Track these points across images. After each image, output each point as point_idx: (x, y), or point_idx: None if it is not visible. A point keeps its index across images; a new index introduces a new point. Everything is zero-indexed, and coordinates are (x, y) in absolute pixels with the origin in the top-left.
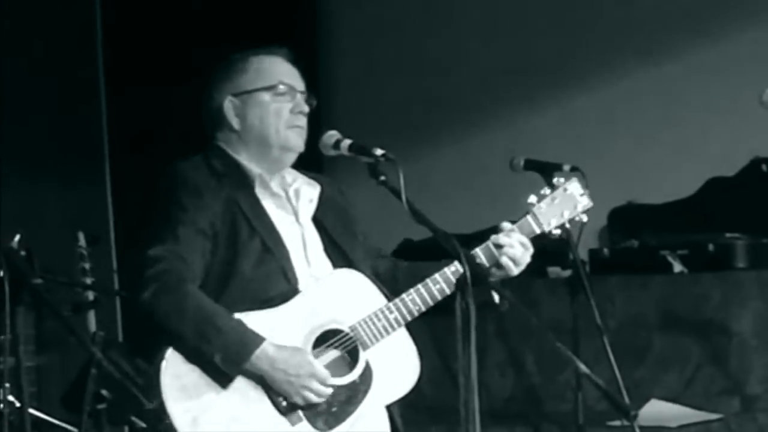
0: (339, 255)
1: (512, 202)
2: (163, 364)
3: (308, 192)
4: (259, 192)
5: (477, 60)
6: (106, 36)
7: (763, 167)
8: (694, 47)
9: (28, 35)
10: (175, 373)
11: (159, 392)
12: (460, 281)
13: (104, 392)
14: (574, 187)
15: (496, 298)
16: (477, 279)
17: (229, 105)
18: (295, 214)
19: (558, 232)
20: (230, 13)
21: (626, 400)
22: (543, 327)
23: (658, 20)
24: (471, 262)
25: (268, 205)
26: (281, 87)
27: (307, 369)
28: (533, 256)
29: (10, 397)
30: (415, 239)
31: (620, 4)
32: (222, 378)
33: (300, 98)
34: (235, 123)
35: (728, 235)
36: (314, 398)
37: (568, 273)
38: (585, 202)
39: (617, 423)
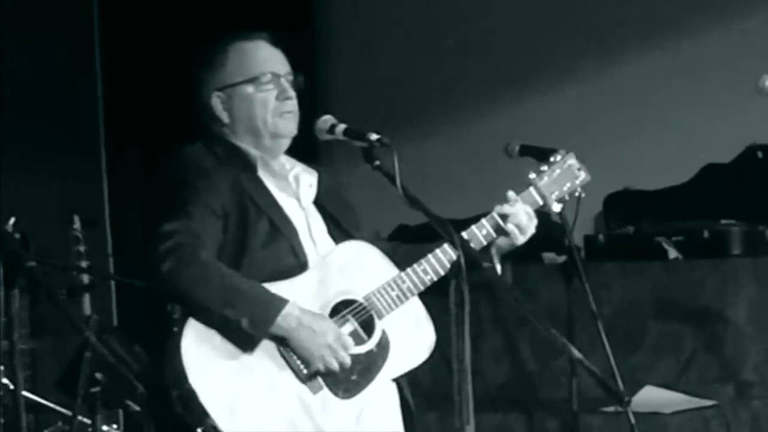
0: (344, 236)
1: (507, 187)
2: (184, 336)
3: (307, 178)
4: (262, 174)
5: (473, 45)
6: (102, 24)
7: (759, 154)
8: (691, 33)
9: (26, 25)
10: (195, 344)
11: (179, 363)
12: (454, 267)
13: (99, 376)
14: (572, 161)
15: (499, 269)
16: (472, 264)
17: (216, 101)
18: (297, 198)
19: (559, 206)
20: None
21: (620, 386)
22: (537, 313)
23: (656, 7)
24: (466, 248)
25: (272, 187)
26: (265, 77)
27: (333, 331)
28: (528, 243)
29: (5, 380)
30: (411, 224)
31: None
32: (247, 344)
33: (285, 83)
34: (224, 117)
35: (723, 221)
36: (334, 363)
37: (563, 259)
38: (583, 176)
39: (611, 409)
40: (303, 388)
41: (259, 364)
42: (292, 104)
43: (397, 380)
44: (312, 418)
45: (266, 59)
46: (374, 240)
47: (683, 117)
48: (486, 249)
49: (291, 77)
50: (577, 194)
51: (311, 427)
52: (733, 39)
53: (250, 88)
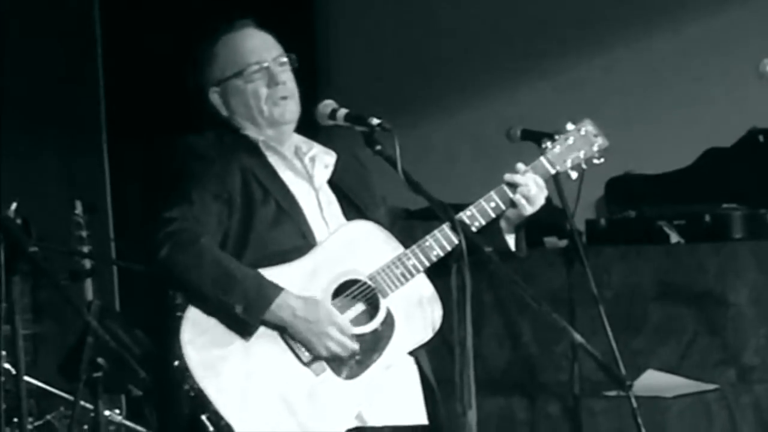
0: (359, 216)
1: (509, 172)
2: (184, 322)
3: (324, 159)
4: (270, 158)
5: (474, 28)
6: (104, 8)
7: (760, 138)
8: (692, 17)
9: (28, 6)
10: (196, 331)
11: (180, 351)
12: (456, 252)
13: (100, 361)
14: (589, 128)
15: (512, 245)
16: (474, 249)
17: (214, 96)
18: (310, 178)
19: (575, 174)
20: None
21: (622, 370)
22: (539, 297)
23: None
24: (467, 232)
25: (280, 169)
26: (250, 68)
27: (328, 318)
28: (530, 227)
29: (6, 365)
30: (412, 209)
31: None
32: (244, 331)
33: (274, 69)
34: (223, 111)
35: (725, 205)
36: (336, 348)
37: (564, 243)
38: (600, 141)
39: (613, 393)
40: (305, 371)
41: (260, 348)
42: (284, 89)
43: (417, 359)
44: (303, 407)
45: (251, 49)
46: (401, 220)
47: (684, 101)
48: (496, 222)
49: (283, 59)
50: (595, 161)
51: (295, 420)
52: (734, 23)
53: (240, 82)
